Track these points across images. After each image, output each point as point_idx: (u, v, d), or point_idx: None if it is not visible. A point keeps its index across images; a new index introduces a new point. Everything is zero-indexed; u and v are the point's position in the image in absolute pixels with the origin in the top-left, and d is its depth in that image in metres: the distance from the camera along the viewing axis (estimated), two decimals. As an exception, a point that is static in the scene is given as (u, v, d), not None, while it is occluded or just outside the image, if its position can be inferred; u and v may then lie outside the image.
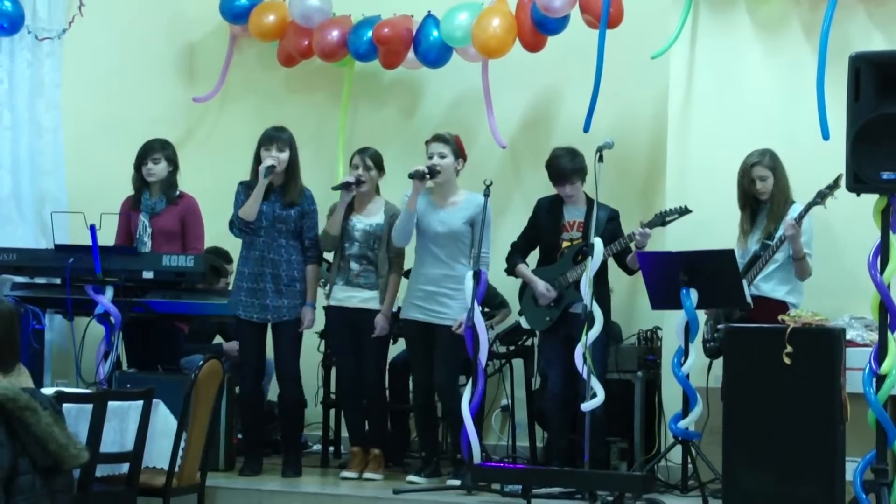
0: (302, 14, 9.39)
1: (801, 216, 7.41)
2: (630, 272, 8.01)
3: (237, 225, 7.99)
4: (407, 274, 8.06)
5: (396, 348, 8.33)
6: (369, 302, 7.95)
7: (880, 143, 6.17)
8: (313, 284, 8.06)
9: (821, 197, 7.37)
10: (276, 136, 7.98)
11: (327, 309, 8.21)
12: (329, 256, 8.24)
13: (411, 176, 7.71)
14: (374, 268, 7.98)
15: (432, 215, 7.83)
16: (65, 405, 5.98)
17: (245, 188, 8.03)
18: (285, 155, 7.97)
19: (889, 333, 6.26)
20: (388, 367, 8.33)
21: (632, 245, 7.77)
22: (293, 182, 8.02)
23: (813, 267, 7.55)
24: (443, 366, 7.79)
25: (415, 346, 7.91)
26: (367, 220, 8.02)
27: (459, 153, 7.87)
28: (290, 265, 7.98)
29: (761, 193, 7.66)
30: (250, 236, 7.98)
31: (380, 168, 8.06)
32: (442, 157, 7.80)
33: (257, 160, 7.98)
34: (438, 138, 7.86)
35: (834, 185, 7.27)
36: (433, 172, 7.75)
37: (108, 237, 8.22)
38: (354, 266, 7.99)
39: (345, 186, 7.98)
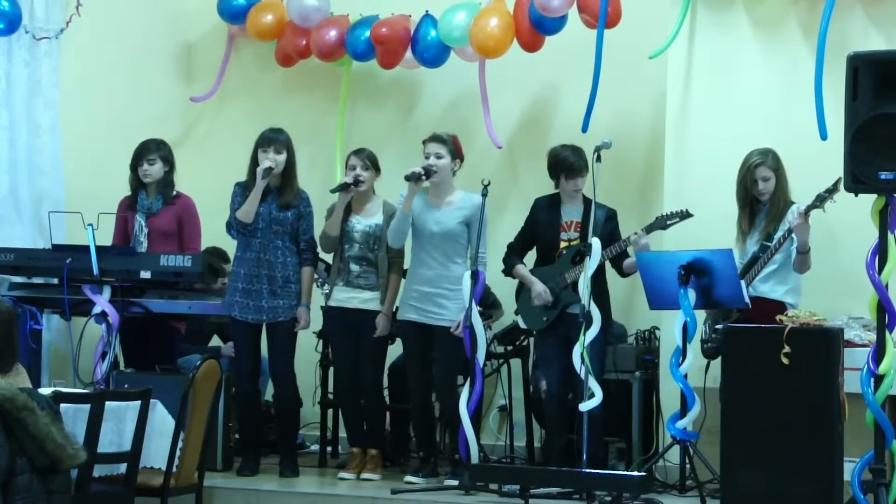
0: (300, 14, 9.38)
1: (808, 208, 7.34)
2: (625, 275, 8.00)
3: (235, 226, 7.99)
4: (404, 275, 8.05)
5: (397, 351, 8.31)
6: (370, 303, 7.94)
7: (878, 143, 6.16)
8: (308, 286, 8.05)
9: (819, 200, 7.31)
10: (273, 138, 7.97)
11: (327, 309, 8.20)
12: (328, 258, 8.23)
13: (407, 178, 7.69)
14: (375, 269, 7.96)
15: (428, 215, 7.82)
16: (62, 405, 5.98)
17: (241, 189, 8.02)
18: (282, 157, 7.96)
19: (887, 333, 6.27)
20: (388, 370, 8.32)
21: (629, 250, 7.77)
22: (290, 184, 8.02)
23: (811, 266, 7.53)
24: (443, 366, 7.78)
25: (412, 346, 7.89)
26: (367, 221, 8.01)
27: (457, 153, 7.85)
28: (285, 266, 7.96)
29: (762, 194, 7.63)
30: (246, 237, 7.97)
31: (376, 168, 8.05)
32: (438, 157, 7.78)
33: (254, 162, 7.97)
34: (435, 138, 7.85)
35: (833, 189, 7.21)
36: (429, 173, 7.74)
37: (105, 237, 8.21)
38: (354, 267, 7.97)
39: (343, 188, 7.96)
